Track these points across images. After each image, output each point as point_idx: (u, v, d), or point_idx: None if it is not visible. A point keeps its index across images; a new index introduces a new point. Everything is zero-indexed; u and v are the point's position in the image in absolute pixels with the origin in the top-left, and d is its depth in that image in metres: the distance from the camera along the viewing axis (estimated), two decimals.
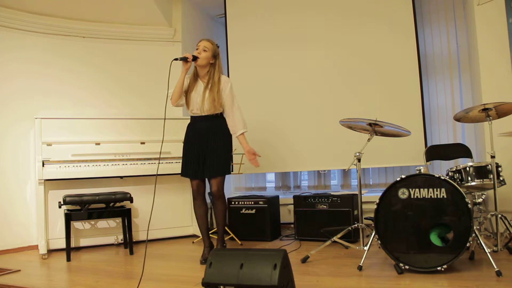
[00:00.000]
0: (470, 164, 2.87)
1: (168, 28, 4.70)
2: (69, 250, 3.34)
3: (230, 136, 3.13)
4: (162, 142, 2.93)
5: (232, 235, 3.89)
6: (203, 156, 3.05)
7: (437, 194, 2.48)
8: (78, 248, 3.75)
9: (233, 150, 3.31)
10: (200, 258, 3.09)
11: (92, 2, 4.22)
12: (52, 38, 4.16)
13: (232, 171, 3.33)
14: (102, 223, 3.90)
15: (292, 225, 3.92)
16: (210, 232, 4.03)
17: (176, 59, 2.97)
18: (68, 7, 4.17)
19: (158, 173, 3.85)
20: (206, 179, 3.15)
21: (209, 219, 4.59)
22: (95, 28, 4.37)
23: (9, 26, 3.91)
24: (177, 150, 4.09)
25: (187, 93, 3.11)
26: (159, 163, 3.31)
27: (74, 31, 4.27)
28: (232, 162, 3.30)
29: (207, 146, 3.05)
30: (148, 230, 2.59)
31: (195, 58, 3.01)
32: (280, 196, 4.27)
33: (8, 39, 3.91)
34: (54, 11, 4.14)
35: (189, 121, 3.19)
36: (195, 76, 3.13)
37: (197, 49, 3.06)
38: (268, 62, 4.54)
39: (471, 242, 2.42)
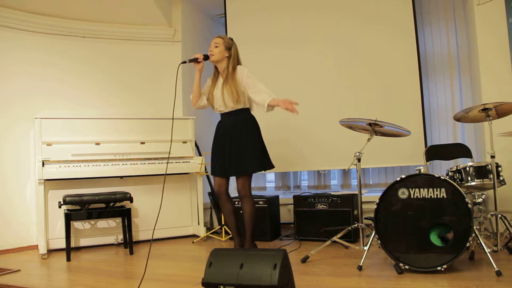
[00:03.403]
0: (470, 164, 2.88)
1: (168, 28, 4.70)
2: (69, 250, 3.34)
3: (256, 132, 3.06)
4: (171, 142, 2.93)
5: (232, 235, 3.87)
6: (228, 153, 3.00)
7: (437, 194, 2.48)
8: (78, 248, 3.75)
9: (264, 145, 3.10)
10: None
11: (92, 2, 4.22)
12: (52, 38, 4.16)
13: (270, 167, 3.07)
14: (102, 223, 3.90)
15: (292, 225, 3.92)
16: (210, 232, 4.06)
17: (184, 62, 2.94)
18: (68, 7, 4.17)
19: (158, 173, 3.88)
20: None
21: (209, 218, 4.61)
22: (95, 28, 4.37)
23: (9, 26, 3.90)
24: (178, 150, 4.10)
25: (209, 93, 3.10)
26: (167, 162, 3.29)
27: (74, 31, 4.27)
28: (265, 158, 3.09)
29: (232, 143, 2.99)
30: (154, 230, 2.57)
31: (206, 57, 3.00)
32: (280, 196, 4.27)
33: (8, 39, 3.91)
34: (54, 11, 4.14)
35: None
36: (216, 74, 3.12)
37: (210, 50, 3.03)
38: (268, 62, 4.54)
39: (471, 242, 2.41)
